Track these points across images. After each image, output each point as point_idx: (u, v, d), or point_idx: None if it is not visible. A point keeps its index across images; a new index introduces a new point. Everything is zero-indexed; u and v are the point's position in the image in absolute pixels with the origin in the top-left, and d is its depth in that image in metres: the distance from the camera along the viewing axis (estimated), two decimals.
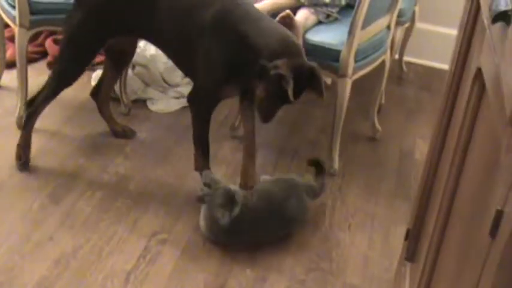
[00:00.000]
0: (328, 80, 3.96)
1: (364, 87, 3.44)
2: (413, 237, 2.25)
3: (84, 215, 2.73)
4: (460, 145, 1.59)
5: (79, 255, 2.53)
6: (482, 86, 1.39)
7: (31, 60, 3.63)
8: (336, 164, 3.18)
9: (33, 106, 2.94)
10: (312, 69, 2.61)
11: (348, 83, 3.03)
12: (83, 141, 3.15)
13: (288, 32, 2.67)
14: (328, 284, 2.53)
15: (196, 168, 2.85)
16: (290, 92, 2.48)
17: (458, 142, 1.61)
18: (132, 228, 2.69)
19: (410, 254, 2.27)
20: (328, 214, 2.90)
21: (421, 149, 3.41)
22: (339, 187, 3.09)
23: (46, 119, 3.31)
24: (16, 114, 3.22)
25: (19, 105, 3.21)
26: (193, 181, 2.96)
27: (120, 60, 3.13)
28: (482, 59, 1.39)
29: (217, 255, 2.60)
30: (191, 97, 2.81)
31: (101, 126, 3.22)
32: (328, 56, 3.01)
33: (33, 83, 3.35)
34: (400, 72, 4.26)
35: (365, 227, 2.85)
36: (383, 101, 3.77)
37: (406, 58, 4.29)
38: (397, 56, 4.15)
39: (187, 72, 2.95)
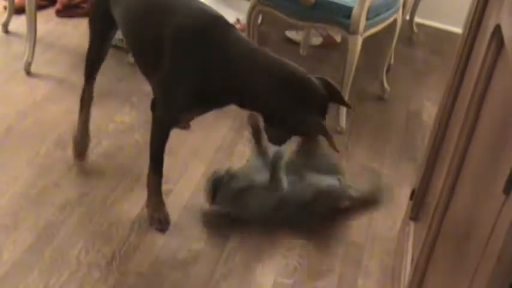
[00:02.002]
0: (338, 38, 3.94)
1: (374, 46, 3.41)
2: (418, 197, 2.25)
3: (90, 163, 2.73)
4: (473, 104, 1.57)
5: (84, 202, 2.54)
6: (501, 43, 1.37)
7: (40, 7, 3.60)
8: (343, 122, 3.17)
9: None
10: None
11: (359, 40, 3.00)
12: None
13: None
14: (331, 242, 2.54)
15: (148, 186, 2.51)
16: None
17: (471, 101, 1.59)
18: (137, 178, 2.69)
19: (415, 214, 2.28)
20: None
21: (429, 111, 3.40)
22: (345, 145, 3.08)
23: (53, 66, 3.31)
24: (24, 60, 3.21)
25: (27, 51, 3.19)
26: (200, 133, 2.96)
27: None
28: (503, 15, 1.37)
29: None
30: (154, 106, 2.46)
31: (108, 75, 3.19)
32: (340, 13, 2.98)
33: (42, 29, 3.33)
34: (410, 34, 4.22)
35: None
36: (392, 61, 3.75)
37: (417, 19, 4.25)
38: (407, 17, 4.11)
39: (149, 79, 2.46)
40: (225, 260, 2.37)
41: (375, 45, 3.39)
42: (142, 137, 2.92)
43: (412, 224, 2.28)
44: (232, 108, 3.14)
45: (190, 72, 2.20)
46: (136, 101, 3.17)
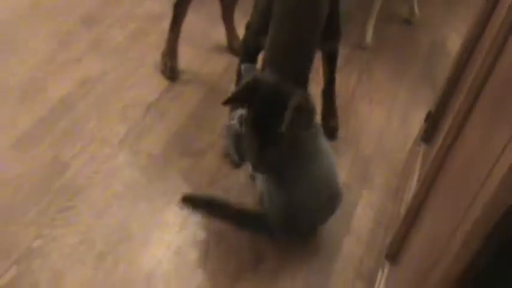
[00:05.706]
0: None
1: None
2: (433, 119, 2.28)
3: (115, 43, 2.74)
4: (501, 31, 1.58)
5: (105, 80, 2.57)
6: None
7: None
8: (369, 38, 3.18)
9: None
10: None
11: None
12: None
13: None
14: (340, 152, 2.54)
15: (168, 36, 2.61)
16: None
17: (500, 28, 1.60)
18: (156, 65, 2.70)
19: (428, 136, 2.30)
20: (352, 84, 2.90)
21: (455, 41, 3.39)
22: (367, 60, 3.08)
23: None
24: None
25: None
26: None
27: None
28: None
29: None
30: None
31: None
32: None
33: None
34: None
35: (385, 104, 2.85)
36: None
37: None
38: None
39: None
40: None
41: None
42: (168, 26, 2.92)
43: (422, 146, 2.31)
44: None
45: None
46: None
